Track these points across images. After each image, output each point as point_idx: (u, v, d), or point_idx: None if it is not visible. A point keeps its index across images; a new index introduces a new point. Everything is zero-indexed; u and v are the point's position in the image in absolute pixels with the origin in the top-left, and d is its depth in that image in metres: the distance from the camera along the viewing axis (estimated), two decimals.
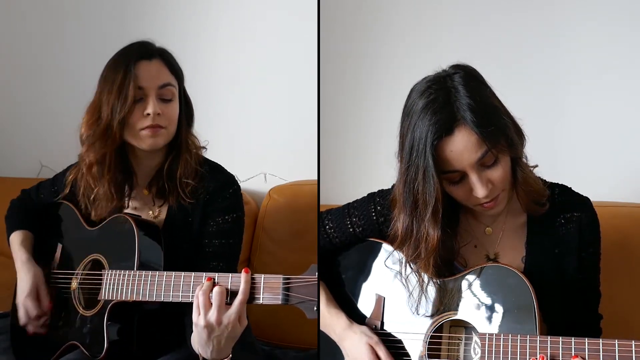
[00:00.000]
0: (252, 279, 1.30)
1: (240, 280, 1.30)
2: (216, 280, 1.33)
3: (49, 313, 1.60)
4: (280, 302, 1.27)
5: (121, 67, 1.50)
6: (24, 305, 1.58)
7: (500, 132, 1.23)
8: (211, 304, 1.29)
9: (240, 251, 1.62)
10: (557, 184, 1.39)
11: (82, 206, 1.63)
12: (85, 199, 1.60)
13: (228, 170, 1.62)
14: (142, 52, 1.53)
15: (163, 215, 1.59)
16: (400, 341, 1.38)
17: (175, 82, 1.56)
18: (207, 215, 1.55)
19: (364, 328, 1.39)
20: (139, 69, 1.50)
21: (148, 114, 1.49)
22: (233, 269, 1.58)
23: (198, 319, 1.30)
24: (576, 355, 1.17)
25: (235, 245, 1.58)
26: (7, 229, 1.73)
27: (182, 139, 1.58)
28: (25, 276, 1.61)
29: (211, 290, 1.31)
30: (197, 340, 1.33)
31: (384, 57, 2.13)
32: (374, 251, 1.44)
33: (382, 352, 1.35)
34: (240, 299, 1.29)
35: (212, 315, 1.28)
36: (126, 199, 1.60)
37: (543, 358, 1.18)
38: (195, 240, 1.56)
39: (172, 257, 1.51)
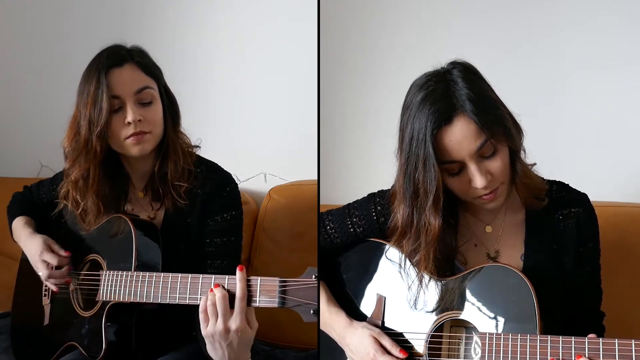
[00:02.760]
0: (248, 280, 1.29)
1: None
2: (213, 282, 1.32)
3: (69, 261, 1.58)
4: (276, 305, 1.26)
5: (93, 77, 1.47)
6: (42, 259, 1.55)
7: (499, 121, 1.24)
8: (216, 312, 1.27)
9: (242, 249, 1.62)
10: (555, 180, 1.40)
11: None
12: (75, 212, 1.58)
13: (225, 169, 1.62)
14: (111, 59, 1.48)
15: (160, 217, 1.59)
16: (401, 340, 1.38)
17: (152, 83, 1.52)
18: (205, 215, 1.55)
19: (364, 323, 1.39)
20: (111, 78, 1.46)
21: (129, 123, 1.47)
22: (236, 266, 1.57)
23: (206, 330, 1.28)
24: (580, 355, 1.17)
25: (236, 242, 1.58)
26: (9, 218, 1.72)
27: (168, 140, 1.55)
28: (34, 241, 1.59)
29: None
30: (212, 351, 1.31)
31: (383, 56, 2.13)
32: (375, 251, 1.44)
33: (386, 341, 1.36)
34: (240, 300, 1.27)
35: (219, 324, 1.26)
36: (122, 203, 1.59)
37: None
38: (194, 241, 1.55)
39: (170, 258, 1.50)
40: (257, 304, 1.28)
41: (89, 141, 1.47)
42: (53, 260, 1.55)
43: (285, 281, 1.26)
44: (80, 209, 1.56)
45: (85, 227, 1.57)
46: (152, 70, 1.54)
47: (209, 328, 1.28)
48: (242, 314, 1.27)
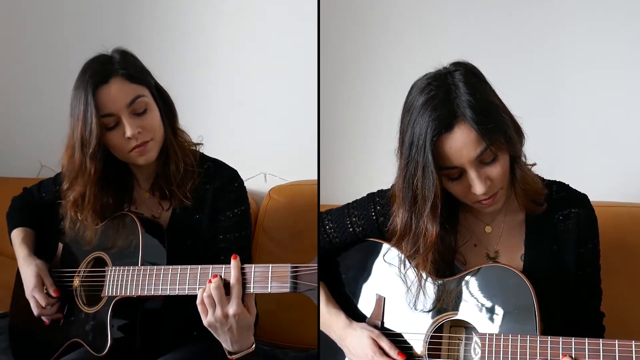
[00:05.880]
0: (260, 267, 1.30)
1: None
2: (211, 272, 1.34)
3: (58, 299, 1.59)
4: (288, 290, 1.27)
5: (81, 98, 1.44)
6: (33, 297, 1.58)
7: (499, 129, 1.23)
8: (213, 303, 1.30)
9: (252, 242, 1.62)
10: (555, 181, 1.40)
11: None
12: (75, 228, 1.58)
13: (230, 165, 1.62)
14: (96, 77, 1.44)
15: (167, 216, 1.59)
16: (401, 341, 1.38)
17: (143, 90, 1.49)
18: (216, 211, 1.55)
19: (363, 324, 1.40)
20: (99, 97, 1.43)
21: (129, 138, 1.45)
22: (247, 260, 1.57)
23: (206, 320, 1.31)
24: (565, 354, 1.17)
25: (247, 236, 1.59)
26: (9, 226, 1.72)
27: (168, 142, 1.54)
28: (27, 270, 1.60)
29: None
30: (217, 337, 1.34)
31: (384, 56, 2.14)
32: (374, 251, 1.44)
33: (384, 343, 1.36)
34: (234, 285, 1.30)
35: (217, 311, 1.29)
36: (125, 206, 1.60)
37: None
38: (202, 237, 1.55)
39: (177, 255, 1.50)
40: (269, 290, 1.29)
41: (83, 163, 1.46)
42: (42, 302, 1.57)
43: (296, 267, 1.27)
44: (78, 225, 1.57)
45: (87, 241, 1.57)
46: (139, 77, 1.50)
47: (209, 318, 1.31)
48: (238, 298, 1.29)
